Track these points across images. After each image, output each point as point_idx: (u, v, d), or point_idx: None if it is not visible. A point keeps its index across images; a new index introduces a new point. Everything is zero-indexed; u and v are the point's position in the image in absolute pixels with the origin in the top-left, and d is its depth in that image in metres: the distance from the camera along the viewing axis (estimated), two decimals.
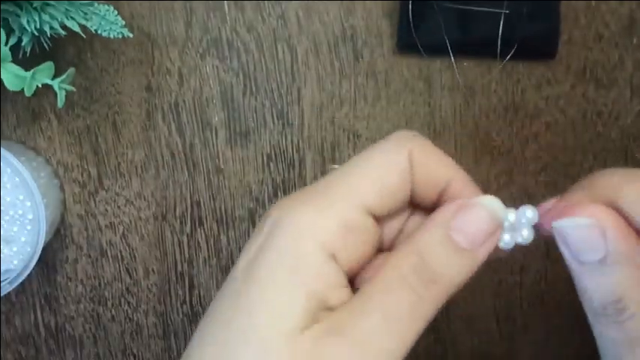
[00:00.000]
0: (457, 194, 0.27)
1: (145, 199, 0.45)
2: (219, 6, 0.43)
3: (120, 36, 0.37)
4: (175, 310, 0.47)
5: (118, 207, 0.45)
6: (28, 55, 0.38)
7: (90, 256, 0.46)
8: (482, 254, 0.26)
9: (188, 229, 0.46)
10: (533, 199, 0.45)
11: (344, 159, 0.45)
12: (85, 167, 0.45)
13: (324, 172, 0.45)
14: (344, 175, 0.27)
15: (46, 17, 0.36)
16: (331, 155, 0.45)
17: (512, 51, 0.42)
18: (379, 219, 0.27)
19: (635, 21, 0.44)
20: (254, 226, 0.46)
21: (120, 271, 0.46)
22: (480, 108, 0.45)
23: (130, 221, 0.46)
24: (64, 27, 0.37)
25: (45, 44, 0.38)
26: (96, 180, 0.45)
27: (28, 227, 0.41)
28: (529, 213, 0.26)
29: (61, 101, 0.38)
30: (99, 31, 0.37)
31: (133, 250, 0.46)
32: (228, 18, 0.43)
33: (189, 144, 0.45)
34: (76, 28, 0.37)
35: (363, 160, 0.27)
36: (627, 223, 0.24)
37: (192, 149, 0.45)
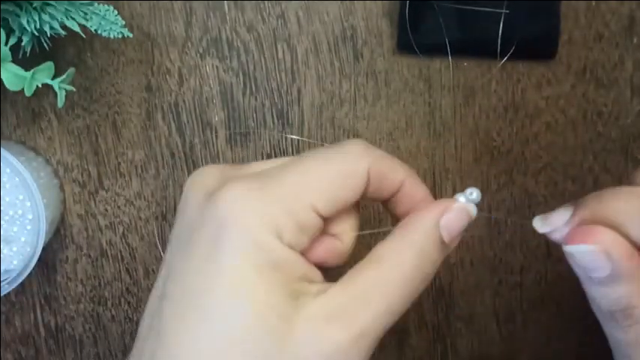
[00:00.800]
0: (410, 194, 0.32)
1: (145, 199, 0.45)
2: (219, 6, 0.43)
3: (120, 36, 0.37)
4: None
5: (118, 207, 0.45)
6: (28, 55, 0.38)
7: (90, 256, 0.46)
8: (453, 246, 0.31)
9: None
10: (533, 199, 0.45)
11: None
12: (85, 167, 0.45)
13: None
14: (300, 174, 0.29)
15: (46, 17, 0.36)
16: None
17: (512, 51, 0.42)
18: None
19: (636, 21, 0.44)
20: None
21: (120, 271, 0.46)
22: (480, 108, 0.45)
23: (130, 221, 0.46)
24: (64, 27, 0.37)
25: (45, 44, 0.38)
26: (96, 180, 0.45)
27: (28, 227, 0.41)
28: (474, 195, 0.31)
29: (61, 101, 0.38)
30: (99, 31, 0.37)
31: (133, 250, 0.46)
32: (228, 18, 0.43)
33: (189, 144, 0.45)
34: (76, 28, 0.37)
35: (323, 163, 0.30)
36: (630, 242, 0.28)
37: (192, 149, 0.45)
